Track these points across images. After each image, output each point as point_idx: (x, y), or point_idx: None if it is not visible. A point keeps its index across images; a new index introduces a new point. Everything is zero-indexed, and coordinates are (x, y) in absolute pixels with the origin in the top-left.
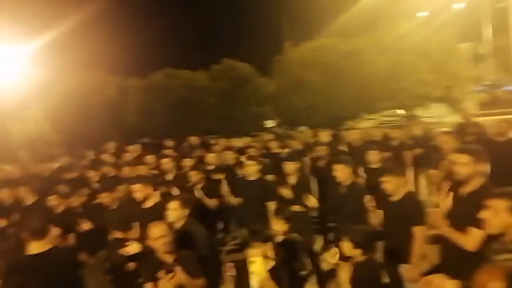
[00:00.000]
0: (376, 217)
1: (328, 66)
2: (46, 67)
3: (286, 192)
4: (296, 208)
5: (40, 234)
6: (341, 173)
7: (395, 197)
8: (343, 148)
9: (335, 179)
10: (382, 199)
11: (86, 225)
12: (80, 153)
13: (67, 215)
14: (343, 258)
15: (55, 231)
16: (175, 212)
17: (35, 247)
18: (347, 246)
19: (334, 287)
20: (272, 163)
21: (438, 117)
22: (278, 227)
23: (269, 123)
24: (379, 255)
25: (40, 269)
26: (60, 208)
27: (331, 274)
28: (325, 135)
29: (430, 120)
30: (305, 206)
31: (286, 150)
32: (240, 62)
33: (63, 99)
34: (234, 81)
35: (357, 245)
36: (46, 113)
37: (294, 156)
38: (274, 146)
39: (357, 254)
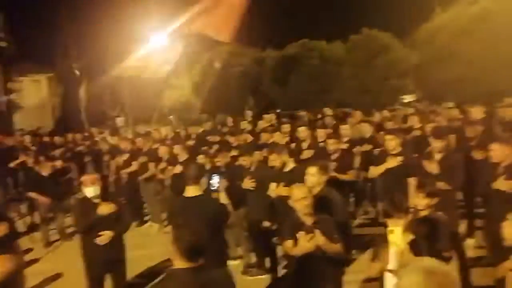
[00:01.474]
0: None
1: (486, 34)
2: (191, 40)
3: (430, 169)
4: (440, 185)
5: (195, 180)
6: (499, 153)
7: None
8: (498, 127)
9: (488, 159)
10: None
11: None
12: (221, 120)
13: (213, 172)
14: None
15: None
16: (314, 177)
17: (191, 191)
18: None
19: (476, 275)
20: (414, 139)
21: None
22: (420, 202)
23: (408, 98)
24: None
25: (193, 210)
26: (208, 166)
27: (475, 262)
28: (476, 112)
29: None
30: (451, 185)
31: (430, 126)
32: (380, 31)
33: (206, 70)
34: (373, 51)
35: None
36: (191, 83)
37: (440, 132)
38: (416, 121)
39: None
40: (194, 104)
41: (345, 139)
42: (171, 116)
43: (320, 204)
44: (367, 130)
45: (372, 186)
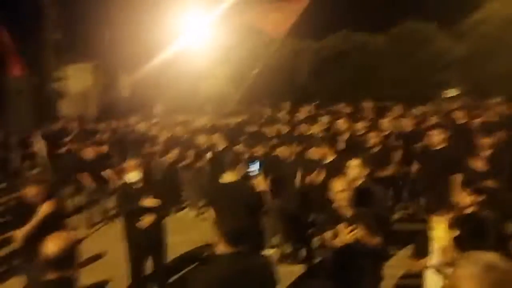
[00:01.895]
0: None
1: None
2: (227, 33)
3: (477, 165)
4: (488, 183)
5: (233, 166)
6: None
7: None
8: None
9: None
10: None
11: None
12: (257, 110)
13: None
14: None
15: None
16: (356, 170)
17: (228, 177)
18: None
19: None
20: (458, 134)
21: None
22: (464, 199)
23: (451, 92)
24: None
25: (229, 195)
26: (246, 155)
27: None
28: None
29: None
30: (499, 183)
31: (477, 121)
32: (424, 22)
33: (242, 61)
34: (415, 44)
35: None
36: (227, 74)
37: (488, 128)
38: (461, 116)
39: None
40: (231, 95)
41: (385, 132)
42: (208, 107)
43: (361, 197)
44: (407, 124)
45: (413, 181)
